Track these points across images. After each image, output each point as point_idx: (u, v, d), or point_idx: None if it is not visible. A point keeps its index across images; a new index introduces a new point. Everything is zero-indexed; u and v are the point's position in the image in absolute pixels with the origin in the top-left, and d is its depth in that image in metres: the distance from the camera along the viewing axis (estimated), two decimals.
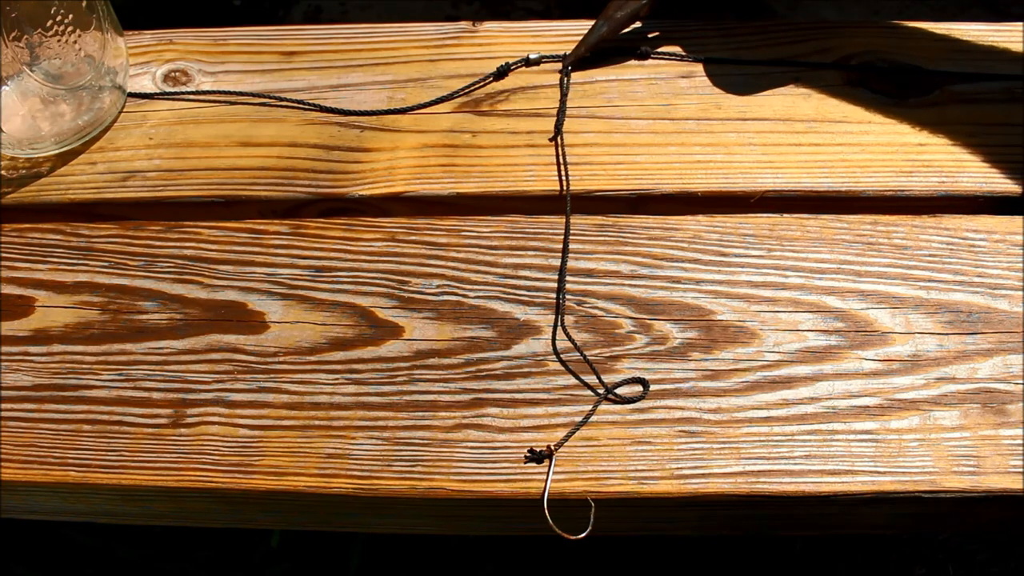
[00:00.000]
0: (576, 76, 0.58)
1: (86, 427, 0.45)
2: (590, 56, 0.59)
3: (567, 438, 0.43)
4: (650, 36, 0.60)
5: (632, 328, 0.47)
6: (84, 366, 0.47)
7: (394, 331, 0.48)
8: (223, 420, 0.45)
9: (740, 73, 0.58)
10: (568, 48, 0.59)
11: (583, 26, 0.60)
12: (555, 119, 0.56)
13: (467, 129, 0.56)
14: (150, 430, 0.45)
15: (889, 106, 0.56)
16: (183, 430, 0.45)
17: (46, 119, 0.54)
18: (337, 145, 0.55)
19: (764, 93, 0.57)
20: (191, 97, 0.58)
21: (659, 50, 0.59)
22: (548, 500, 0.42)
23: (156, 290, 0.50)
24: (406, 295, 0.49)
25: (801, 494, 0.42)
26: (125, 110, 0.58)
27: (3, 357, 0.48)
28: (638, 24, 0.60)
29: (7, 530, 0.87)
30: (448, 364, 0.46)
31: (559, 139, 0.54)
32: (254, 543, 0.87)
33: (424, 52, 0.60)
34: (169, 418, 0.45)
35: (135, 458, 0.44)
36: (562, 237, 0.51)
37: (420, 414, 0.45)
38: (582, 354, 0.46)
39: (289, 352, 0.47)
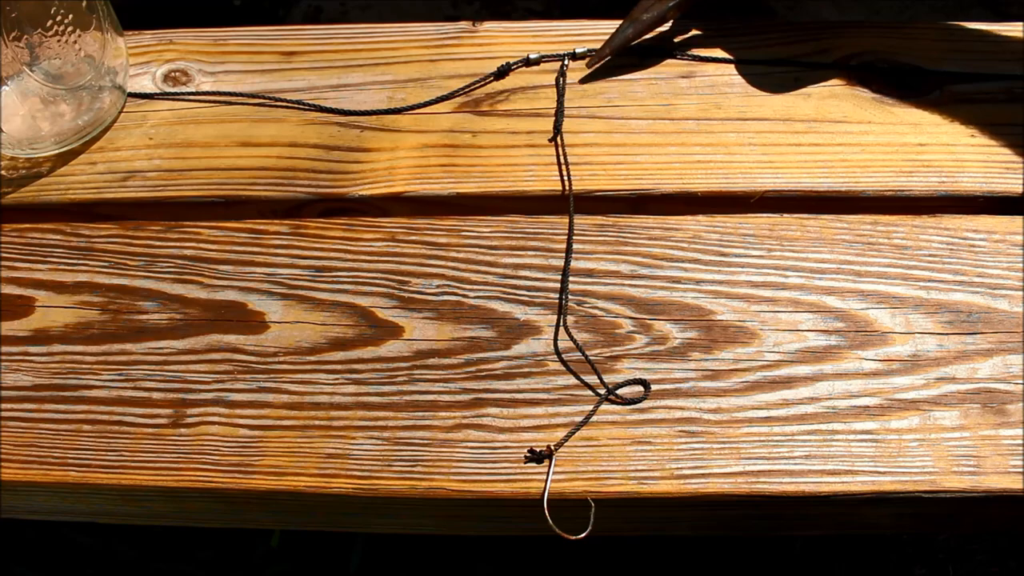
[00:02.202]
0: (576, 76, 0.58)
1: (86, 427, 0.45)
2: (585, 57, 0.59)
3: (567, 438, 0.43)
4: (650, 36, 0.60)
5: (632, 328, 0.47)
6: (84, 366, 0.47)
7: (394, 331, 0.48)
8: (223, 420, 0.45)
9: (780, 72, 0.58)
10: (568, 48, 0.59)
11: (583, 26, 0.60)
12: (553, 118, 0.56)
13: (467, 129, 0.56)
14: (150, 430, 0.45)
15: (889, 106, 0.56)
16: (183, 430, 0.45)
17: (46, 119, 0.54)
18: (337, 145, 0.55)
19: (767, 94, 0.57)
20: (191, 97, 0.58)
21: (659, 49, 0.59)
22: (548, 500, 0.42)
23: (156, 290, 0.50)
24: (406, 295, 0.49)
25: (801, 494, 0.42)
26: (125, 110, 0.58)
27: (3, 357, 0.48)
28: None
29: (7, 530, 0.87)
30: (448, 364, 0.46)
31: (559, 139, 0.54)
32: (254, 543, 0.87)
33: (424, 52, 0.60)
34: (169, 418, 0.45)
35: (135, 458, 0.44)
36: (562, 237, 0.51)
37: (420, 414, 0.45)
38: (584, 354, 0.46)
39: (289, 352, 0.47)
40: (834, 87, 0.57)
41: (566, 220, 0.51)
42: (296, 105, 0.58)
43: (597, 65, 0.57)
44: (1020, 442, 0.43)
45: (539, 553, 0.85)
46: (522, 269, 0.50)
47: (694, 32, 0.60)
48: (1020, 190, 0.52)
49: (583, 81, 0.57)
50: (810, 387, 0.45)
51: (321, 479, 0.43)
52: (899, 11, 1.27)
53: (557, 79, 0.58)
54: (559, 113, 0.56)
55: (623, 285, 0.49)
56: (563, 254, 0.50)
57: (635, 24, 0.57)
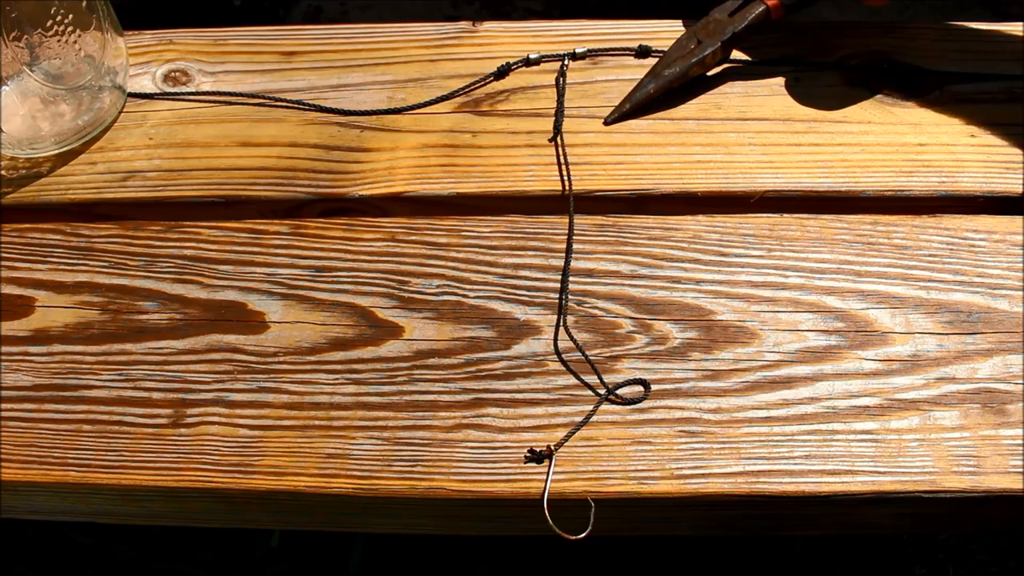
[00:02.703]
0: (576, 76, 0.58)
1: (86, 427, 0.45)
2: (585, 57, 0.59)
3: (567, 438, 0.43)
4: (650, 36, 0.60)
5: (632, 328, 0.47)
6: (84, 366, 0.47)
7: (394, 331, 0.48)
8: (223, 420, 0.45)
9: (780, 72, 0.58)
10: (568, 48, 0.59)
11: (583, 26, 0.60)
12: (553, 118, 0.56)
13: (467, 129, 0.56)
14: (150, 430, 0.45)
15: (889, 106, 0.56)
16: (183, 430, 0.45)
17: (46, 119, 0.54)
18: (337, 145, 0.55)
19: (765, 95, 0.57)
20: (191, 97, 0.58)
21: (659, 49, 0.59)
22: (548, 500, 0.42)
23: (156, 290, 0.50)
24: (406, 295, 0.49)
25: (801, 494, 0.42)
26: (125, 110, 0.58)
27: (3, 357, 0.48)
28: (638, 25, 0.60)
29: (7, 530, 0.87)
30: (448, 364, 0.46)
31: (559, 139, 0.54)
32: (254, 543, 0.87)
33: (424, 52, 0.60)
34: (169, 418, 0.45)
35: (135, 458, 0.44)
36: (562, 237, 0.51)
37: (420, 414, 0.45)
38: (584, 354, 0.46)
39: (289, 352, 0.47)
40: (834, 87, 0.57)
41: (566, 220, 0.51)
42: (296, 105, 0.58)
43: (615, 119, 0.56)
44: (1020, 442, 0.43)
45: (539, 553, 0.85)
46: (522, 269, 0.50)
47: None
48: (1020, 190, 0.52)
49: (606, 123, 0.56)
50: (810, 387, 0.45)
51: (321, 479, 0.43)
52: (899, 11, 1.27)
53: (557, 79, 0.58)
54: (559, 113, 0.56)
55: (623, 285, 0.49)
56: (563, 254, 0.50)
57: (657, 79, 0.56)
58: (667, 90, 0.56)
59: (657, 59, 0.58)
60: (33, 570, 0.86)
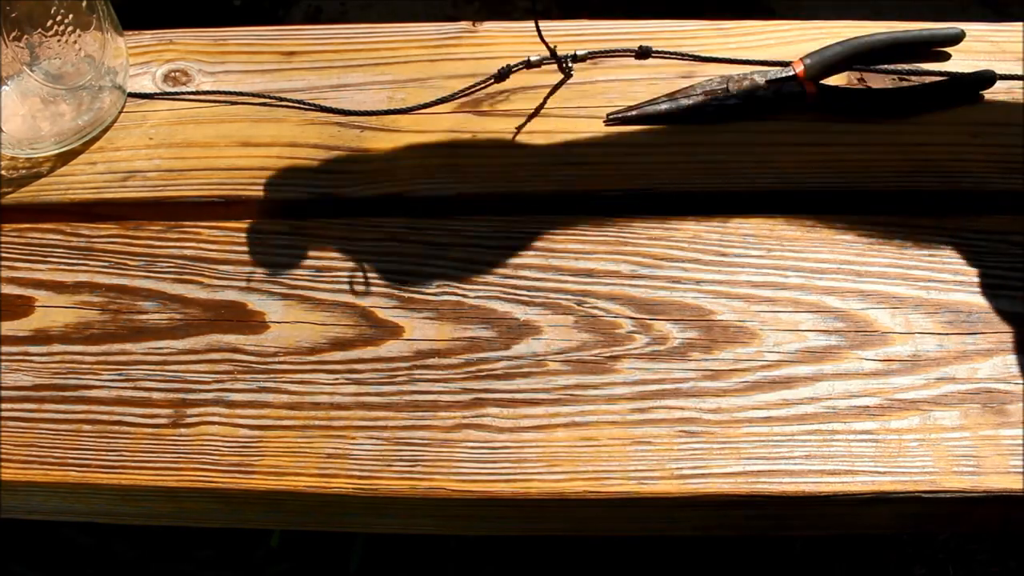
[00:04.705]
0: (576, 76, 0.58)
1: (86, 427, 0.45)
2: (587, 55, 0.59)
3: None
4: (650, 36, 0.60)
5: (632, 328, 0.47)
6: (84, 366, 0.47)
7: (394, 331, 0.48)
8: (223, 420, 0.45)
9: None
10: (569, 48, 0.59)
11: (583, 26, 0.60)
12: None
13: (467, 129, 0.56)
14: (150, 430, 0.45)
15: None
16: (183, 430, 0.45)
17: (46, 119, 0.54)
18: (337, 145, 0.55)
19: None
20: (191, 97, 0.58)
21: (659, 50, 0.59)
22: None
23: (156, 290, 0.50)
24: (406, 295, 0.49)
25: (801, 494, 0.42)
26: (125, 110, 0.58)
27: (3, 357, 0.48)
28: (638, 25, 0.60)
29: (7, 530, 0.87)
30: (448, 364, 0.46)
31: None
32: (254, 543, 0.87)
33: (424, 52, 0.60)
34: (169, 418, 0.45)
35: (135, 458, 0.44)
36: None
37: (420, 414, 0.45)
38: (552, 52, 0.45)
39: (289, 352, 0.47)
40: (834, 87, 0.57)
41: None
42: (296, 105, 0.58)
43: (616, 120, 0.56)
44: (1020, 442, 0.43)
45: (539, 553, 0.85)
46: (522, 269, 0.50)
47: (693, 32, 0.60)
48: (1020, 190, 0.52)
49: (607, 123, 0.56)
50: (810, 387, 0.45)
51: (321, 479, 0.43)
52: (899, 11, 1.27)
53: (559, 81, 0.58)
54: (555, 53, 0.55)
55: (623, 285, 0.49)
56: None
57: (671, 102, 0.55)
58: (676, 115, 0.56)
59: (659, 58, 0.58)
60: (33, 570, 0.86)
